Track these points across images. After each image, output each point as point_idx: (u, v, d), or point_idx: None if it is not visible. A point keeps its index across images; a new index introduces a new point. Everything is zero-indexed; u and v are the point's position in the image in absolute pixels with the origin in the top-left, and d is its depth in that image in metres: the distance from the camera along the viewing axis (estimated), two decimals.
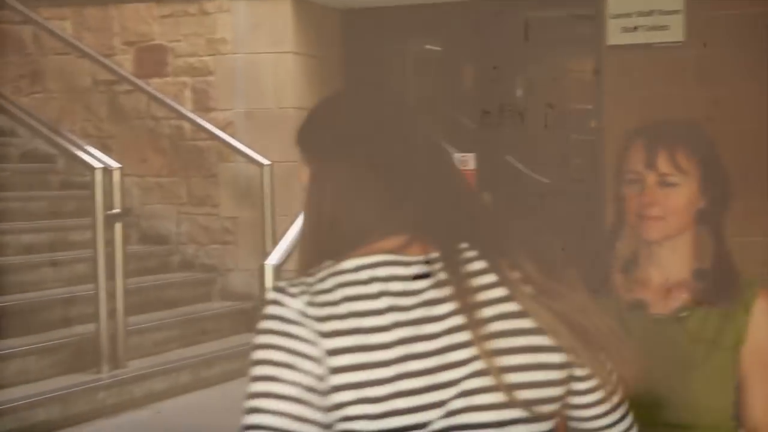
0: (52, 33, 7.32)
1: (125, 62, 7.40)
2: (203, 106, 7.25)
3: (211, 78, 7.26)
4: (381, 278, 1.43)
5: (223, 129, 7.04)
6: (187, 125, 7.24)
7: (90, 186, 5.72)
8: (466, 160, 4.89)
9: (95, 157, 5.82)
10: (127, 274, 5.77)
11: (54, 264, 6.35)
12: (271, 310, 1.42)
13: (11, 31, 7.69)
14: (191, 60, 7.30)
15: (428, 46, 7.95)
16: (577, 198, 7.03)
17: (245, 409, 1.40)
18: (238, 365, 5.82)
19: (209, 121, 7.08)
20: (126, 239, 5.91)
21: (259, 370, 1.40)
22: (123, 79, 7.23)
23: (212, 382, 5.95)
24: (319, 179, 1.53)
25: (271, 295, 1.45)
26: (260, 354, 1.41)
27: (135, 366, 5.68)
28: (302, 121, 1.59)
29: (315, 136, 1.56)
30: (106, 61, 7.21)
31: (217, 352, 6.20)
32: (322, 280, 1.44)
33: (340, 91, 1.65)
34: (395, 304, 1.42)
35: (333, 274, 1.44)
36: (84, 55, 7.27)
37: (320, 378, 1.39)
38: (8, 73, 7.65)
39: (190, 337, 6.39)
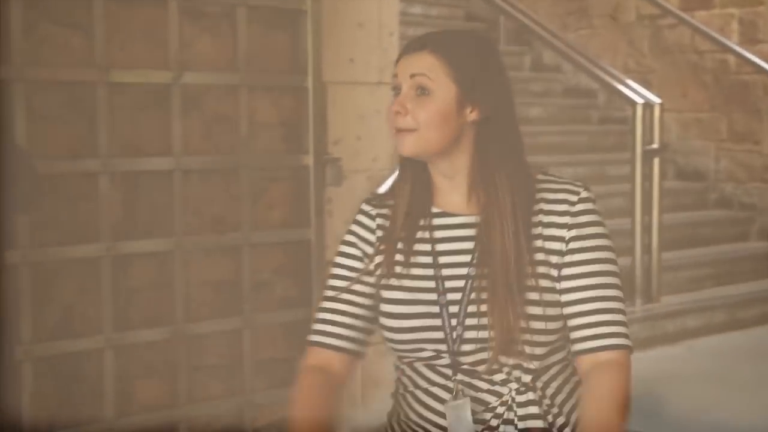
0: None
1: None
2: (750, 38, 6.94)
3: (760, 8, 6.92)
4: None
5: None
6: (732, 59, 6.99)
7: (629, 121, 5.76)
8: None
9: (636, 92, 5.83)
10: (662, 210, 5.76)
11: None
12: None
13: None
14: None
15: None
16: None
17: None
18: None
19: (756, 53, 6.76)
20: (662, 174, 5.88)
21: None
22: (668, 13, 7.16)
23: (747, 325, 5.77)
24: None
25: None
26: None
27: (668, 301, 5.68)
28: None
29: None
30: None
31: (753, 294, 5.99)
32: None
33: None
34: None
35: None
36: None
37: None
38: (557, 10, 7.93)
39: (725, 276, 6.23)
